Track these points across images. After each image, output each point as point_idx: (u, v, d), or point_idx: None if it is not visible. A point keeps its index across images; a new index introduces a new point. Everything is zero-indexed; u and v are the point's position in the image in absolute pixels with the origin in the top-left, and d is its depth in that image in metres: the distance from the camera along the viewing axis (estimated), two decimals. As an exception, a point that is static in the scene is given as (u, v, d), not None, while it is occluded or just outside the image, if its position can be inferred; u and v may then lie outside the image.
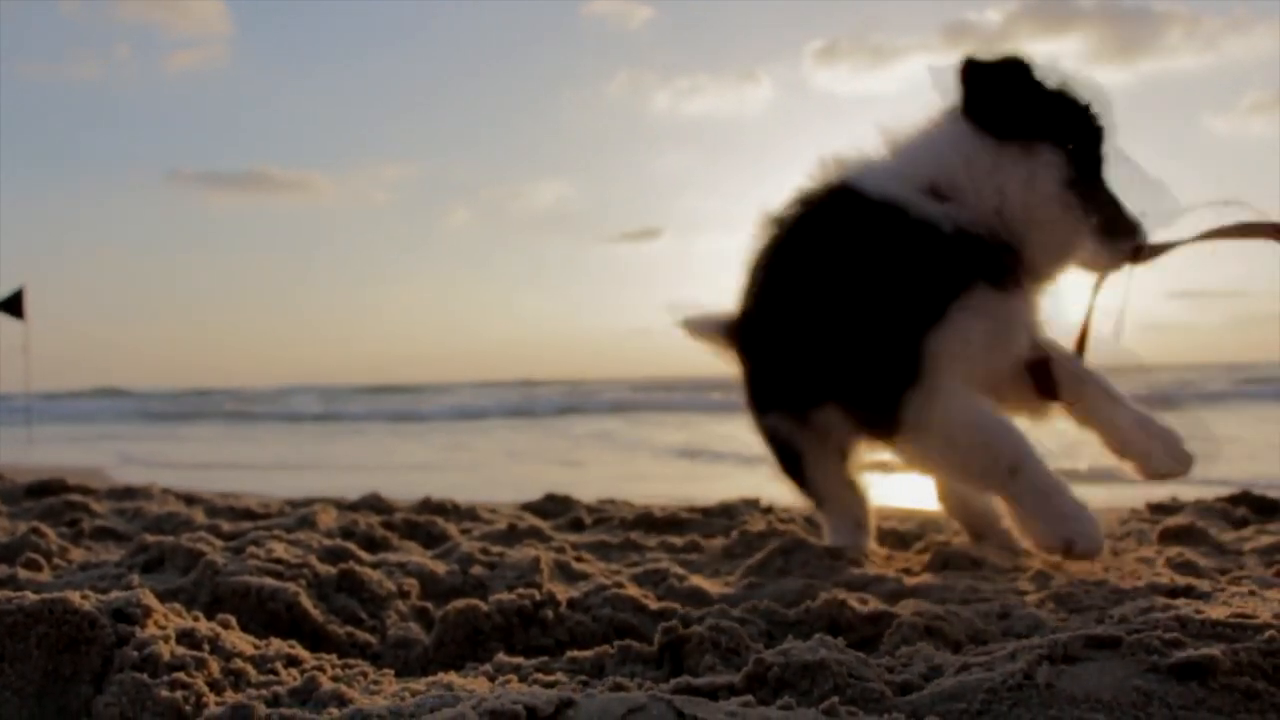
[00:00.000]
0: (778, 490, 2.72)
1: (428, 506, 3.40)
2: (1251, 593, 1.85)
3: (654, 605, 1.85)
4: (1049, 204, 2.03)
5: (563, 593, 1.87)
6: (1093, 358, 2.17)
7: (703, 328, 2.59)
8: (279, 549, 2.10)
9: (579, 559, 2.38)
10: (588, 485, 5.66)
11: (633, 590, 1.91)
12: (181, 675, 1.31)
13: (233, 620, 1.62)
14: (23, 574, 2.04)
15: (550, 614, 1.75)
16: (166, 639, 1.38)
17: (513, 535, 2.70)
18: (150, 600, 1.47)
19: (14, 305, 11.56)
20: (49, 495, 3.59)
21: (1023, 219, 2.03)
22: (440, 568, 2.17)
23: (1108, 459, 2.15)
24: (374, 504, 3.55)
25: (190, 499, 3.87)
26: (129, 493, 3.91)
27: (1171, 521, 2.87)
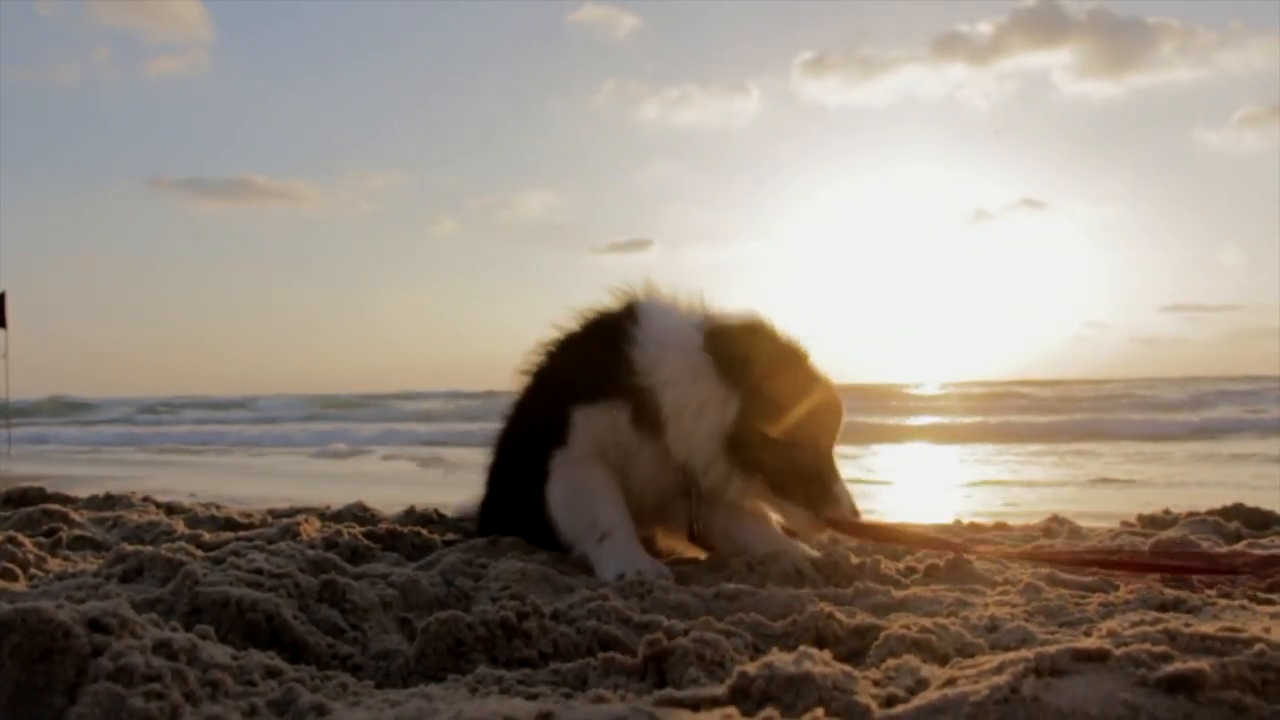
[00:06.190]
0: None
1: (412, 517, 3.38)
2: (1243, 607, 1.85)
3: (638, 617, 1.84)
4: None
5: (546, 604, 1.85)
6: None
7: None
8: (260, 559, 2.07)
9: (563, 570, 2.36)
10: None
11: (616, 602, 1.90)
12: (157, 686, 1.28)
13: (211, 631, 1.60)
14: (-2, 583, 2.01)
15: (533, 625, 1.73)
16: (143, 649, 1.35)
17: (496, 546, 2.67)
18: (127, 610, 1.44)
19: (-4, 312, 11.47)
20: (27, 504, 3.55)
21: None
22: (424, 579, 2.15)
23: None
24: (358, 514, 3.53)
25: (171, 509, 3.83)
26: (109, 501, 3.88)
27: (1164, 534, 2.87)
